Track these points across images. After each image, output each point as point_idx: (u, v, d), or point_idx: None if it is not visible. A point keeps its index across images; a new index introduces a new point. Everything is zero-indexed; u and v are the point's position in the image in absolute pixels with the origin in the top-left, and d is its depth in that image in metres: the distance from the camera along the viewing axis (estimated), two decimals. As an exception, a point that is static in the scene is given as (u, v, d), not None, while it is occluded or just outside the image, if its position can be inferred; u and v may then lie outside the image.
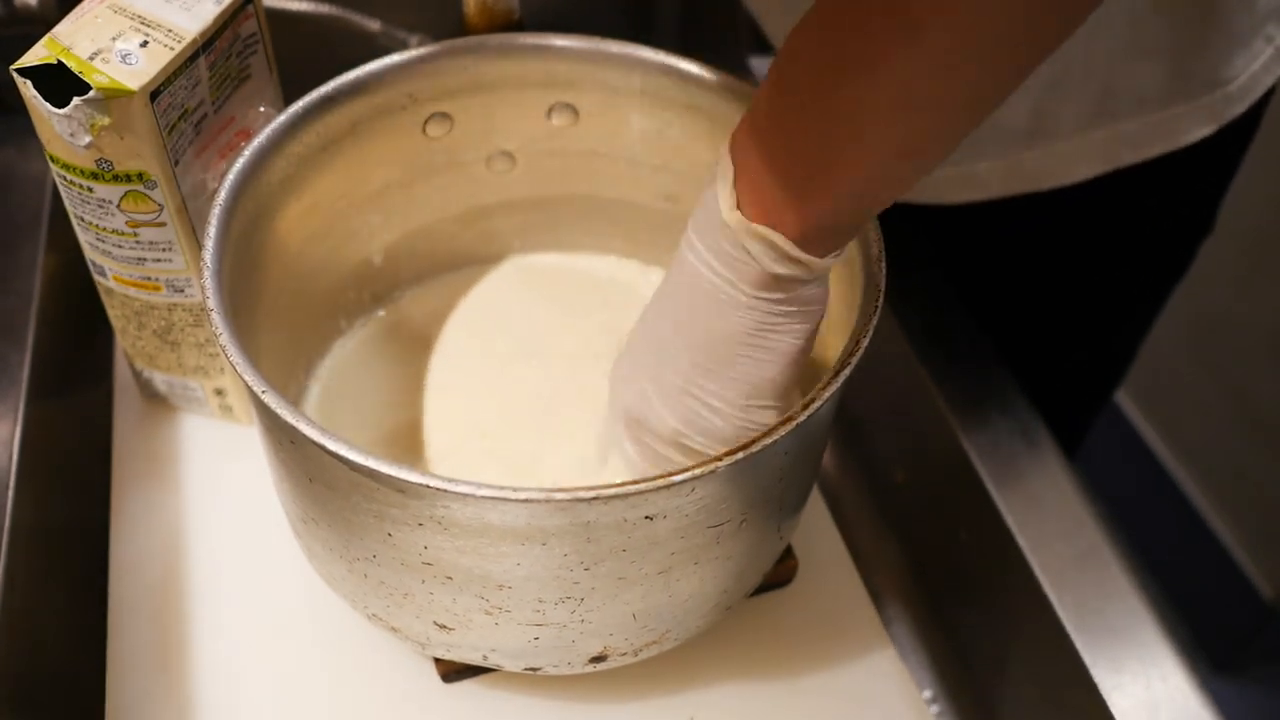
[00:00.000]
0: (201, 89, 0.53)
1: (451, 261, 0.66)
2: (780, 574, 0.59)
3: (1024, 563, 0.57)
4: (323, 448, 0.41)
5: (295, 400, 0.59)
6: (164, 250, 0.55)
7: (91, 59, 0.48)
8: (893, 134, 0.40)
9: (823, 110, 0.40)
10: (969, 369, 0.65)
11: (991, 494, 0.59)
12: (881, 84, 0.38)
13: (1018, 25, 0.37)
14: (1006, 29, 0.37)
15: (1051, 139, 0.67)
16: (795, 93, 0.41)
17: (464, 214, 0.65)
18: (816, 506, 0.64)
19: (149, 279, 0.57)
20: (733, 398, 0.47)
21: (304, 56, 0.63)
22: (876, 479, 0.71)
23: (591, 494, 0.40)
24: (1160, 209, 0.75)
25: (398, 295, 0.65)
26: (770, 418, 0.48)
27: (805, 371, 0.51)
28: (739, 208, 0.43)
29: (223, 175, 0.50)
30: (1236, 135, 0.72)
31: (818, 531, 0.63)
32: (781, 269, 0.44)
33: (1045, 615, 0.55)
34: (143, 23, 0.50)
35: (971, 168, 0.69)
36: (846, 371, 0.44)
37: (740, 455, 0.41)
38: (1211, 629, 1.36)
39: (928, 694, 0.64)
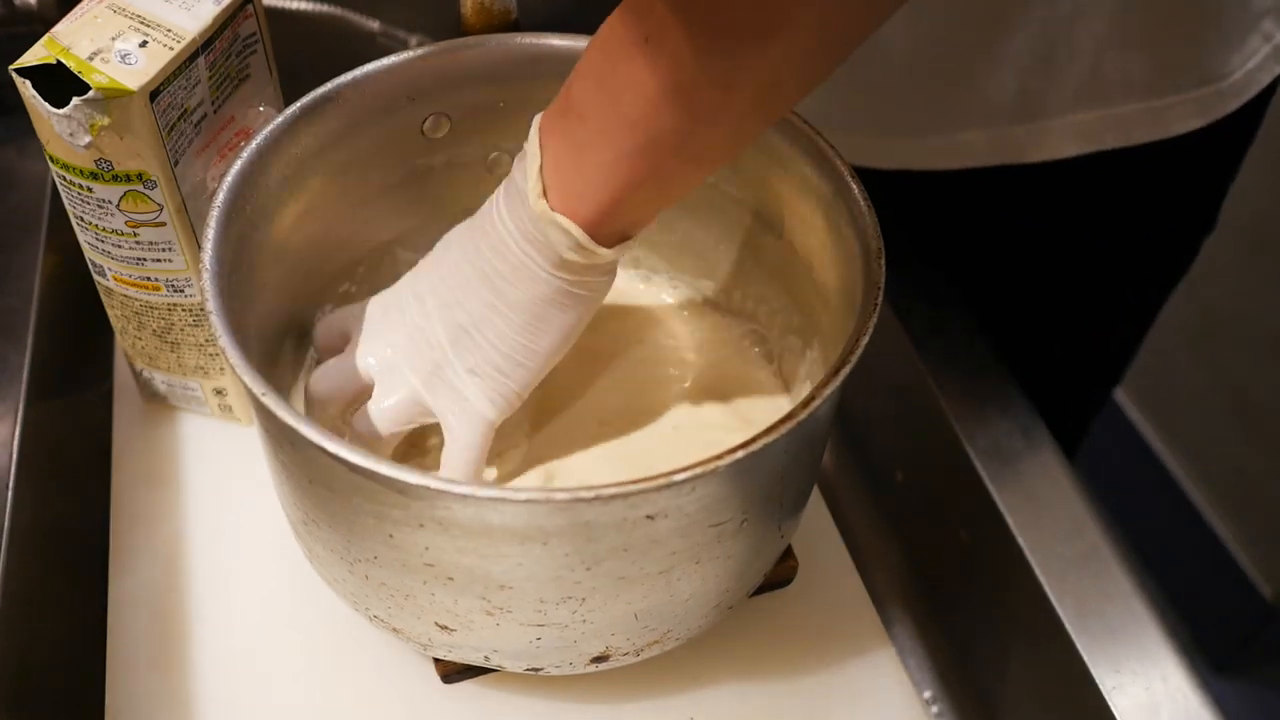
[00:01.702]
0: (201, 89, 0.53)
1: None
2: (780, 574, 0.59)
3: (1024, 563, 0.57)
4: (323, 449, 0.40)
5: (294, 401, 0.59)
6: (164, 250, 0.55)
7: (91, 59, 0.48)
8: (677, 134, 0.43)
9: (612, 103, 0.43)
10: (969, 369, 0.65)
11: (991, 494, 0.59)
12: (667, 81, 0.41)
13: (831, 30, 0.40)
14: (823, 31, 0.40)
15: (1037, 118, 0.68)
16: (593, 79, 0.44)
17: (463, 214, 0.64)
18: (816, 506, 0.64)
19: (149, 279, 0.57)
20: (507, 352, 0.50)
21: (304, 56, 0.63)
22: (876, 479, 0.71)
23: (592, 494, 0.40)
24: (1161, 205, 0.75)
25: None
26: (520, 376, 0.51)
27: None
28: (544, 194, 0.46)
29: (222, 175, 0.50)
30: (1238, 131, 0.72)
31: (818, 531, 0.63)
32: (574, 256, 0.47)
33: (1045, 615, 0.55)
34: (142, 23, 0.50)
35: (957, 136, 0.69)
36: (846, 370, 0.44)
37: (741, 454, 0.41)
38: (1211, 629, 1.36)
39: (928, 694, 0.64)
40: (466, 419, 0.51)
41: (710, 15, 0.39)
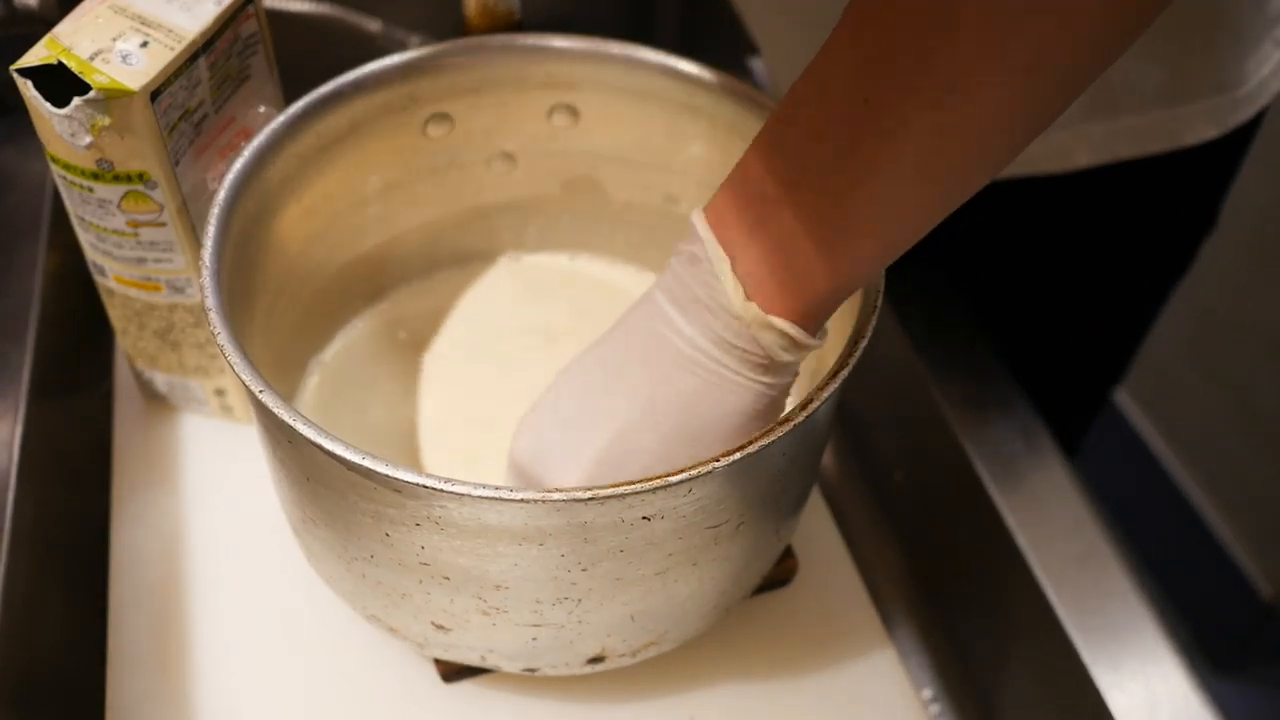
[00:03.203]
0: (202, 89, 0.53)
1: (451, 262, 0.66)
2: (780, 574, 0.59)
3: (1024, 563, 0.57)
4: (320, 447, 0.41)
5: (293, 400, 0.59)
6: (164, 250, 0.55)
7: (92, 59, 0.48)
8: (915, 201, 0.38)
9: (839, 183, 0.38)
10: (969, 369, 0.65)
11: (991, 494, 0.59)
12: (907, 151, 0.36)
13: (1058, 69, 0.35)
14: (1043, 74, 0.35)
15: (1052, 129, 0.67)
16: (803, 163, 0.39)
17: (464, 214, 0.65)
18: (816, 506, 0.64)
19: (149, 279, 0.57)
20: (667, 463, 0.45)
21: (304, 56, 0.63)
22: (876, 479, 0.71)
23: (588, 494, 0.40)
24: (1162, 205, 0.75)
25: (397, 295, 0.65)
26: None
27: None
28: (748, 297, 0.41)
29: (223, 175, 0.51)
30: (1240, 133, 0.72)
31: (818, 531, 0.63)
32: (788, 356, 0.43)
33: (1045, 615, 0.55)
34: (143, 23, 0.50)
35: None
36: (845, 372, 0.44)
37: (738, 456, 0.41)
38: (1211, 629, 1.36)
39: (928, 694, 0.64)
40: None
41: (933, 56, 0.34)
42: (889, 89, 0.36)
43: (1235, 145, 0.73)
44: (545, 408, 0.49)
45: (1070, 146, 0.68)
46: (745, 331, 0.42)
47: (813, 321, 0.42)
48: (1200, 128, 0.68)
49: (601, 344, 0.47)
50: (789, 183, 0.39)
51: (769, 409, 0.45)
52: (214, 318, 0.45)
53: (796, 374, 0.46)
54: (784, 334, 0.41)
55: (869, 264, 0.41)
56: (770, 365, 0.43)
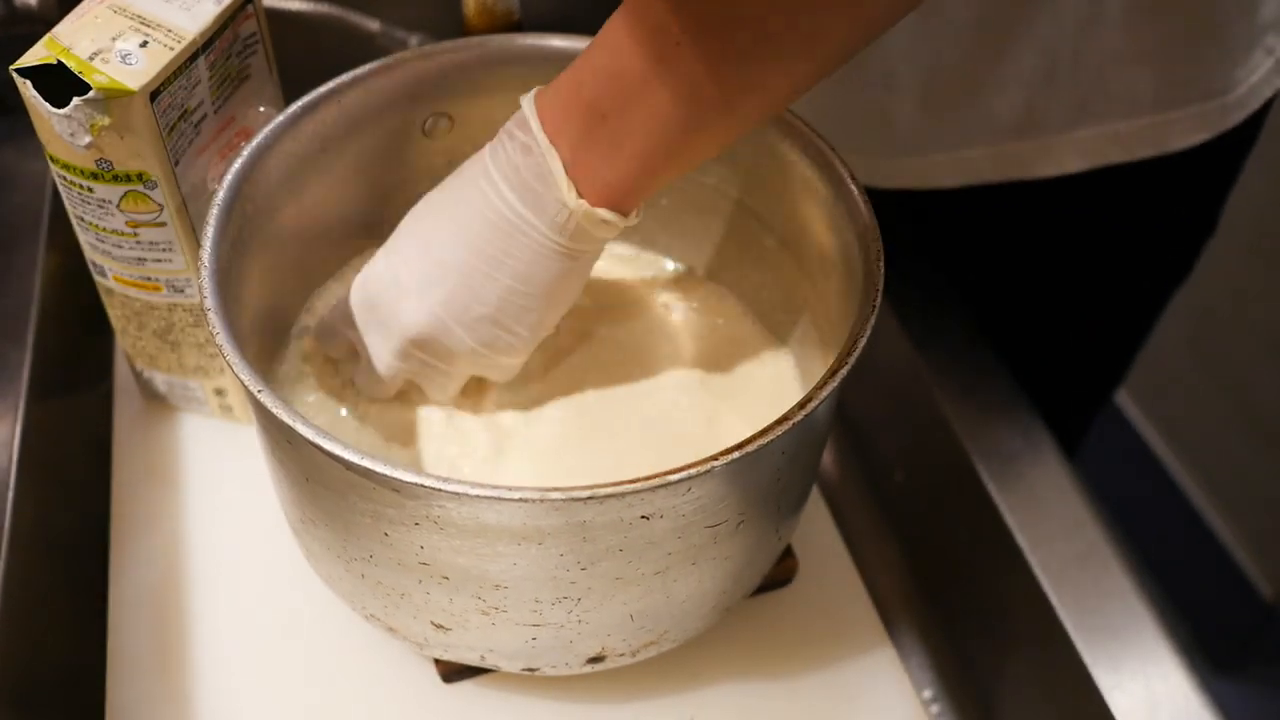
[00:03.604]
0: (201, 89, 0.53)
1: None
2: (780, 574, 0.59)
3: (1024, 563, 0.57)
4: (319, 447, 0.41)
5: (294, 400, 0.59)
6: (164, 250, 0.55)
7: (91, 59, 0.48)
8: (698, 125, 0.45)
9: (640, 103, 0.45)
10: (969, 369, 0.65)
11: (991, 494, 0.59)
12: (687, 74, 0.44)
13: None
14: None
15: (1041, 133, 0.68)
16: (611, 78, 0.46)
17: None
18: (816, 506, 0.64)
19: (149, 279, 0.57)
20: (533, 323, 0.53)
21: (304, 56, 0.63)
22: (876, 479, 0.71)
23: (587, 493, 0.40)
24: (1162, 209, 0.75)
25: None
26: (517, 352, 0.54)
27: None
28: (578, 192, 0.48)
29: (222, 175, 0.51)
30: (1239, 138, 0.72)
31: (818, 531, 0.63)
32: (604, 233, 0.50)
33: (1045, 615, 0.55)
34: (143, 23, 0.50)
35: (963, 153, 0.69)
36: (843, 372, 0.44)
37: (737, 455, 0.41)
38: (1211, 629, 1.36)
39: (928, 694, 0.64)
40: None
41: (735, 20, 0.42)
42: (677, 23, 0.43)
43: (1232, 150, 0.73)
44: (397, 257, 0.54)
45: (1060, 151, 0.68)
46: (573, 218, 0.49)
47: (628, 206, 0.49)
48: (1188, 133, 0.68)
49: (445, 209, 0.53)
50: (602, 100, 0.46)
51: (586, 265, 0.53)
52: (214, 318, 0.45)
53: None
54: (605, 221, 0.49)
55: (662, 174, 0.49)
56: (589, 237, 0.50)
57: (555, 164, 0.48)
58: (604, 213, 0.49)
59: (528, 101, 0.49)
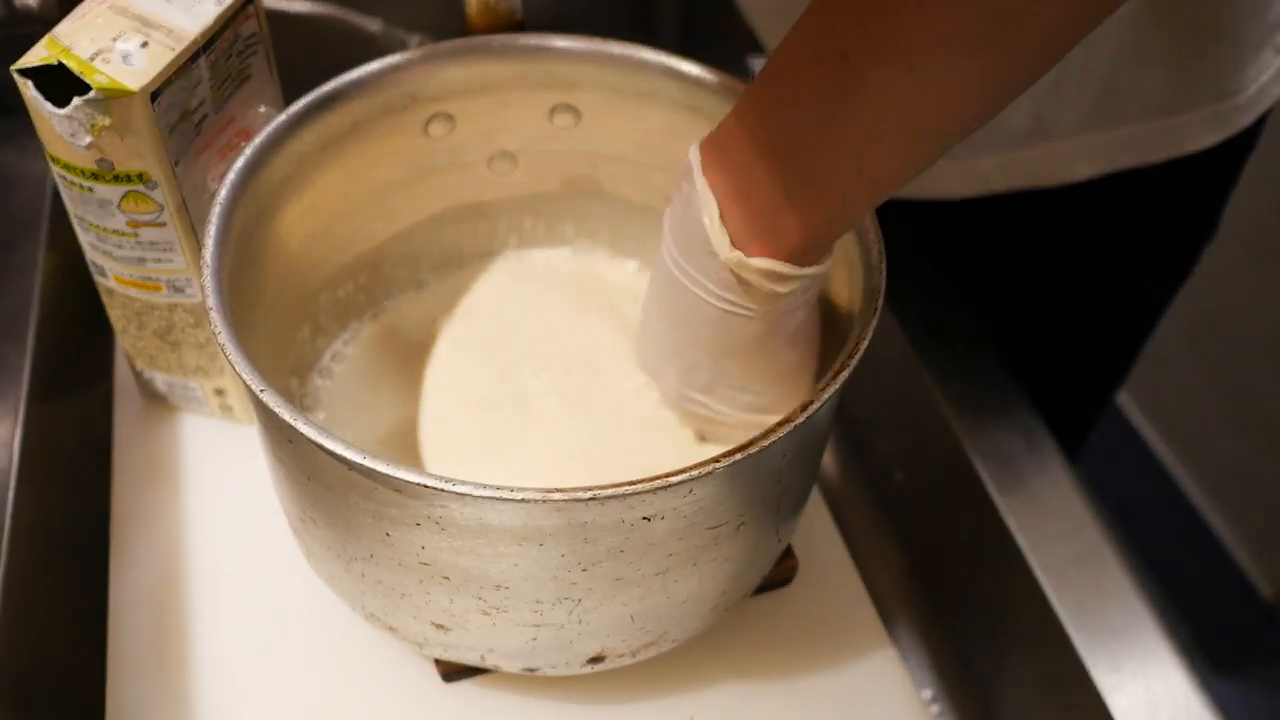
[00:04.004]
0: (202, 89, 0.53)
1: (452, 261, 0.66)
2: (780, 574, 0.59)
3: (1024, 563, 0.57)
4: (320, 447, 0.41)
5: (294, 399, 0.59)
6: (164, 250, 0.55)
7: (92, 59, 0.48)
8: (891, 151, 0.41)
9: (819, 132, 0.40)
10: (969, 369, 0.65)
11: (991, 494, 0.59)
12: (880, 108, 0.39)
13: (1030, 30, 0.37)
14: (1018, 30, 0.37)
15: (1052, 139, 0.67)
16: (784, 114, 0.41)
17: (465, 214, 0.65)
18: (816, 507, 0.64)
19: (149, 279, 0.57)
20: (760, 387, 0.51)
21: (304, 56, 0.63)
22: (876, 479, 0.71)
23: (589, 494, 0.40)
24: (1163, 211, 0.75)
25: (398, 294, 0.65)
26: (796, 391, 0.52)
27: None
28: (734, 243, 0.44)
29: (223, 175, 0.51)
30: (1241, 140, 0.72)
31: (818, 531, 0.63)
32: (783, 288, 0.45)
33: (1045, 615, 0.55)
34: (143, 23, 0.50)
35: (972, 163, 0.69)
36: (845, 374, 0.44)
37: (738, 456, 0.41)
38: (1211, 629, 1.36)
39: (928, 694, 0.64)
40: None
41: (917, 21, 0.37)
42: (864, 46, 0.38)
43: (1235, 152, 0.73)
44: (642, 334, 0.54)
45: (1072, 157, 0.68)
46: (738, 273, 0.45)
47: (804, 256, 0.45)
48: (1202, 135, 0.68)
49: (651, 284, 0.52)
50: (768, 140, 0.42)
51: (788, 319, 0.48)
52: (214, 317, 0.45)
53: (816, 293, 0.49)
54: (771, 273, 0.44)
55: (843, 217, 0.44)
56: (769, 298, 0.46)
57: (711, 210, 0.44)
58: (764, 262, 0.44)
59: (694, 149, 0.46)
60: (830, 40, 0.39)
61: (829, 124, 0.40)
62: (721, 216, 0.44)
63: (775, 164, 0.42)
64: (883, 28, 0.37)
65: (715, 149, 0.45)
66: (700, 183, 0.45)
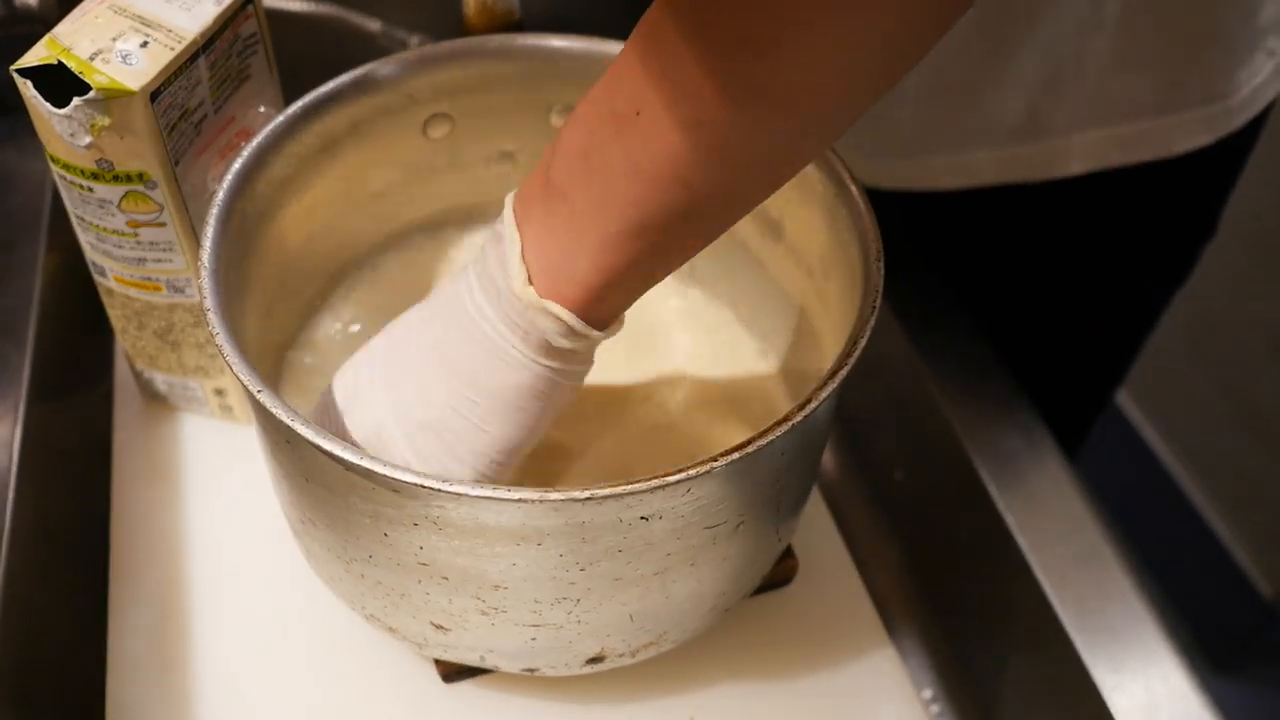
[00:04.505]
0: (202, 89, 0.53)
1: (452, 262, 0.66)
2: (780, 574, 0.59)
3: (1024, 563, 0.57)
4: (318, 447, 0.41)
5: (293, 400, 0.59)
6: (164, 250, 0.55)
7: (92, 59, 0.48)
8: (675, 210, 0.40)
9: (601, 182, 0.40)
10: (969, 369, 0.65)
11: (991, 494, 0.59)
12: (662, 155, 0.38)
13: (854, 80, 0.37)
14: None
15: (1043, 136, 0.68)
16: (576, 157, 0.41)
17: (465, 214, 0.65)
18: (816, 506, 0.64)
19: (149, 279, 0.57)
20: (481, 450, 0.47)
21: (304, 56, 0.63)
22: (876, 479, 0.71)
23: (586, 494, 0.40)
24: (1162, 212, 0.75)
25: (398, 294, 0.65)
26: (503, 477, 0.48)
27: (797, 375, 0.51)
28: (530, 281, 0.43)
29: (223, 175, 0.51)
30: (1239, 140, 0.72)
31: (818, 531, 0.63)
32: (566, 343, 0.44)
33: (1045, 615, 0.55)
34: (143, 23, 0.50)
35: (967, 156, 0.69)
36: (843, 374, 0.44)
37: (737, 456, 0.41)
38: (1211, 629, 1.36)
39: (928, 694, 0.64)
40: None
41: (708, 77, 0.36)
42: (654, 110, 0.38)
43: (1232, 153, 0.73)
44: (365, 355, 0.50)
45: (1063, 153, 0.68)
46: (525, 313, 0.43)
47: (594, 313, 0.43)
48: (1192, 136, 0.68)
49: (423, 305, 0.49)
50: (566, 180, 0.41)
51: (551, 391, 0.46)
52: (213, 318, 0.45)
53: (588, 362, 0.47)
54: (558, 319, 0.43)
55: (631, 273, 0.42)
56: (550, 349, 0.44)
57: (514, 247, 0.43)
58: (554, 307, 0.42)
59: (511, 194, 0.45)
60: (623, 98, 0.39)
61: (607, 181, 0.40)
62: (522, 255, 0.43)
63: (566, 218, 0.42)
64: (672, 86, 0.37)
65: (525, 188, 0.44)
66: (509, 221, 0.44)
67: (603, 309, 0.44)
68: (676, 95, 0.37)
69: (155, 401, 0.66)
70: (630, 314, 0.61)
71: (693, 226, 0.42)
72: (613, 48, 0.58)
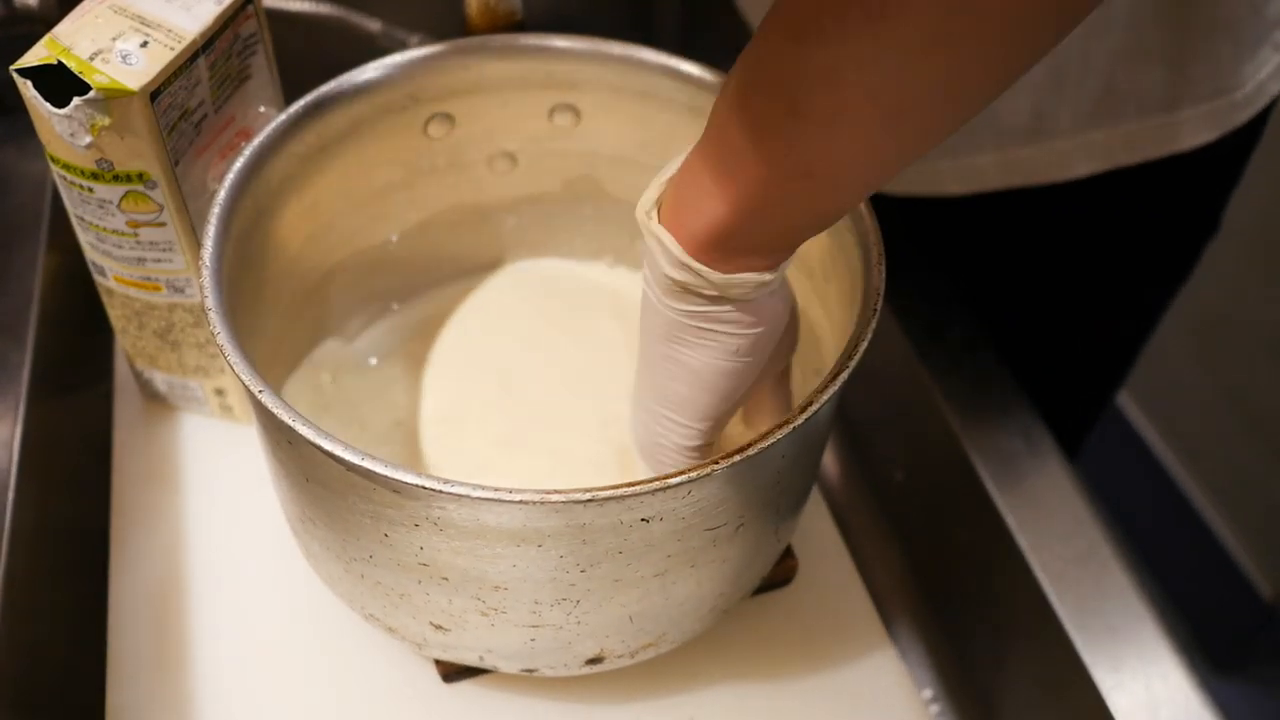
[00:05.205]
0: (202, 89, 0.53)
1: (452, 262, 0.66)
2: (780, 574, 0.59)
3: (1024, 563, 0.57)
4: (319, 448, 0.41)
5: (293, 400, 0.59)
6: (164, 250, 0.55)
7: (92, 59, 0.48)
8: (800, 158, 0.38)
9: (735, 125, 0.39)
10: (969, 369, 0.65)
11: (991, 494, 0.59)
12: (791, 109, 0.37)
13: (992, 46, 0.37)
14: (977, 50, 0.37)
15: (1050, 137, 0.67)
16: (726, 109, 0.40)
17: (465, 214, 0.65)
18: (816, 507, 0.64)
19: (149, 279, 0.57)
20: (651, 405, 0.47)
21: (304, 56, 0.63)
22: (876, 479, 0.71)
23: (587, 496, 0.40)
24: (1164, 210, 0.75)
25: (397, 295, 0.65)
26: (678, 437, 0.48)
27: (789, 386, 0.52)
28: (659, 208, 0.43)
29: (223, 175, 0.51)
30: (1242, 137, 0.72)
31: (818, 531, 0.63)
32: (675, 273, 0.42)
33: (1045, 615, 0.55)
34: (143, 23, 0.50)
35: (970, 160, 0.69)
36: (844, 375, 0.44)
37: (737, 458, 0.41)
38: (1211, 629, 1.36)
39: (928, 694, 0.64)
40: None
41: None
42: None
43: (1236, 149, 0.73)
44: (635, 394, 0.50)
45: (1070, 155, 0.68)
46: (645, 246, 0.43)
47: (703, 249, 0.42)
48: (1199, 131, 0.68)
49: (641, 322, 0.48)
50: (715, 121, 0.40)
51: (698, 342, 0.45)
52: (214, 318, 0.45)
53: (732, 337, 0.45)
54: (660, 243, 0.42)
55: (754, 213, 0.41)
56: (667, 285, 0.43)
57: (652, 189, 0.43)
58: (661, 231, 0.42)
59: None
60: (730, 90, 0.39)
61: (742, 116, 0.39)
62: (658, 201, 0.43)
63: (706, 151, 0.41)
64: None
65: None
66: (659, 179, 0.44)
67: (716, 246, 0.41)
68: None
69: (155, 401, 0.66)
70: (630, 314, 0.61)
71: (807, 183, 0.39)
72: (615, 48, 0.58)
